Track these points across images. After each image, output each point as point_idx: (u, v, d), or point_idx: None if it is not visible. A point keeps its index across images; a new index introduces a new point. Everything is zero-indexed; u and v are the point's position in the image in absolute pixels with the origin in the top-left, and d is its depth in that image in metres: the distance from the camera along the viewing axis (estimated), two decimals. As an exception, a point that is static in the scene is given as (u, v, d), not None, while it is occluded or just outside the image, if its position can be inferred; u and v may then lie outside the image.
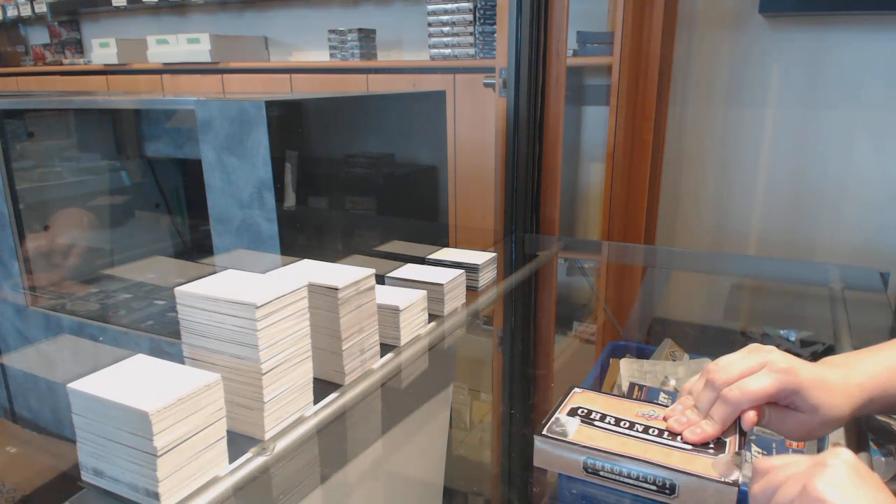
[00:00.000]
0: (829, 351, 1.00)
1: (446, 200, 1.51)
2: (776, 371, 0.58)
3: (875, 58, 1.94)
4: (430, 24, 2.57)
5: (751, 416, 0.58)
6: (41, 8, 3.86)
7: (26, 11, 3.92)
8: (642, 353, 1.08)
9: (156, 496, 0.57)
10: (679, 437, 0.61)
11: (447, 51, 2.57)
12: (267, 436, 0.69)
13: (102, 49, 3.39)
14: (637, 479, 0.59)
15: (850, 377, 0.61)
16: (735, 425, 0.60)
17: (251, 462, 0.65)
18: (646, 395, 0.85)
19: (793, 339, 1.13)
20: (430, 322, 1.01)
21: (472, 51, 2.52)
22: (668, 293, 1.44)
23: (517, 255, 1.49)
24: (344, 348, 0.80)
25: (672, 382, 0.92)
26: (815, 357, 0.66)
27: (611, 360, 1.04)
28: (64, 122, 1.65)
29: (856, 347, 0.80)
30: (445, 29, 2.55)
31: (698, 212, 2.29)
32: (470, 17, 2.49)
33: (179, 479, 0.58)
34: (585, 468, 0.61)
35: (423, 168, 1.45)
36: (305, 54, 3.26)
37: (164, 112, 1.58)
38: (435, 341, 0.98)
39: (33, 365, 1.55)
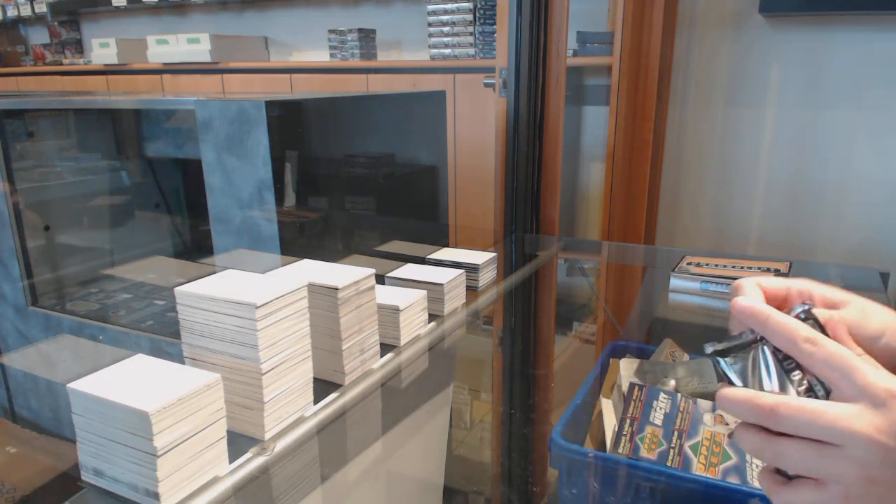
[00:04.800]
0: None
1: (446, 200, 1.51)
2: None
3: (875, 58, 1.94)
4: (430, 24, 2.57)
5: None
6: (41, 8, 3.86)
7: (26, 11, 3.92)
8: (642, 353, 1.07)
9: (156, 496, 0.57)
10: None
11: (447, 51, 2.56)
12: (267, 436, 0.69)
13: (102, 49, 3.39)
14: None
15: None
16: None
17: (251, 462, 0.65)
18: (646, 395, 0.85)
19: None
20: (430, 322, 1.01)
21: (472, 51, 2.52)
22: (668, 293, 1.44)
23: (517, 255, 1.49)
24: (344, 348, 0.80)
25: (672, 382, 0.91)
26: None
27: (611, 360, 1.04)
28: (64, 122, 1.65)
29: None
30: (445, 29, 2.55)
31: (698, 212, 2.29)
32: (470, 17, 2.49)
33: (179, 479, 0.58)
34: None
35: (423, 168, 1.45)
36: (305, 54, 3.26)
37: (164, 112, 1.58)
38: (435, 341, 0.98)
39: (33, 365, 1.55)
